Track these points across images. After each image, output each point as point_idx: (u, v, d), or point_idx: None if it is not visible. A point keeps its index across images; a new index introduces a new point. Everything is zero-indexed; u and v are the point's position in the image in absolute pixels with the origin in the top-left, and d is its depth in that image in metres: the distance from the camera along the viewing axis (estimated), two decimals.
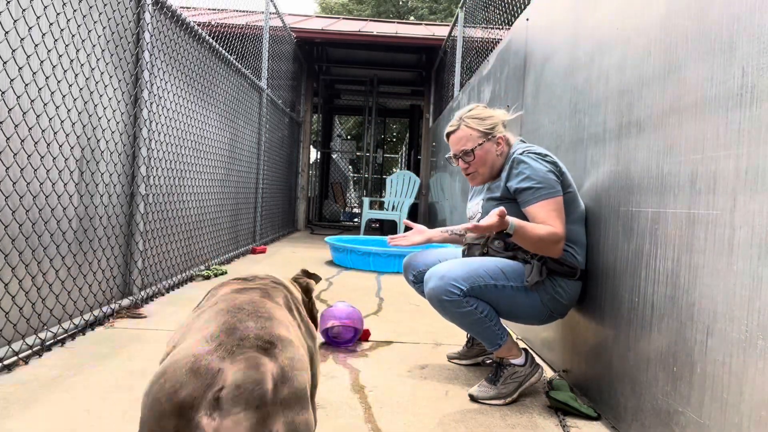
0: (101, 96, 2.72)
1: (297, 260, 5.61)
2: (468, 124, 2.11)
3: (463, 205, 5.09)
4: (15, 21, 2.04)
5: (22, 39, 2.10)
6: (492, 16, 5.09)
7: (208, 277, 4.22)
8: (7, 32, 2.00)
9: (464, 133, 2.11)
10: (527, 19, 3.23)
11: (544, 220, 1.91)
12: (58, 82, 2.35)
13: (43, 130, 2.25)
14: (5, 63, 2.00)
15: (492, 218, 1.74)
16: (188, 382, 0.83)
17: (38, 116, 2.22)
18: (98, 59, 2.67)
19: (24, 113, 2.11)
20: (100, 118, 2.72)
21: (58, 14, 2.32)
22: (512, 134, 2.19)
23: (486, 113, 2.13)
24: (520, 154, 2.02)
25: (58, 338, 2.38)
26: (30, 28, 2.14)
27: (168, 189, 3.61)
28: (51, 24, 2.27)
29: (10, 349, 2.03)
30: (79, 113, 2.53)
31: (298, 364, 0.93)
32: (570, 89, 2.40)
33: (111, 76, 2.81)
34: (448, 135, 2.18)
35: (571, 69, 2.41)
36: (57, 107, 2.34)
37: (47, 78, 2.27)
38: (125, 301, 2.99)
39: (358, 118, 18.10)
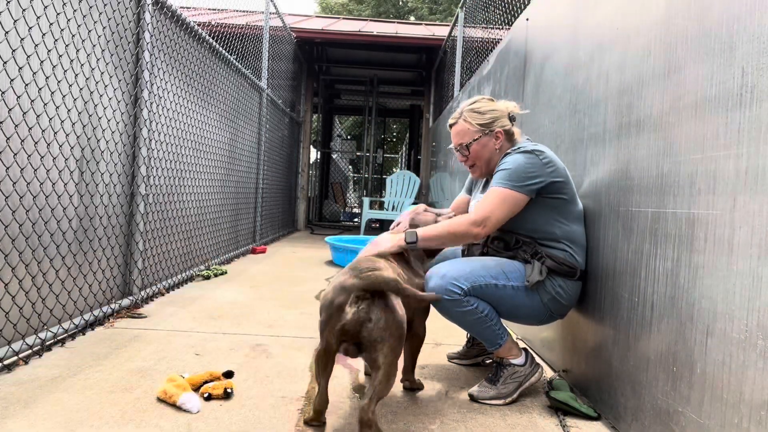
0: (101, 96, 2.72)
1: (297, 260, 5.61)
2: (466, 118, 2.13)
3: None
4: (15, 21, 2.04)
5: (22, 39, 2.10)
6: (492, 16, 5.08)
7: (208, 277, 4.22)
8: (7, 32, 2.00)
9: (462, 128, 2.14)
10: (527, 19, 3.23)
11: (480, 203, 1.96)
12: (58, 82, 2.35)
13: (43, 130, 2.25)
14: (5, 63, 2.00)
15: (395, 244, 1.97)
16: (339, 293, 1.60)
17: (38, 116, 2.22)
18: (98, 59, 2.67)
19: (24, 113, 2.11)
20: (100, 118, 2.72)
21: (58, 14, 2.32)
22: (519, 130, 2.19)
23: (487, 107, 2.14)
24: (515, 149, 2.04)
25: (58, 338, 2.38)
26: (30, 28, 2.15)
27: (168, 189, 3.61)
28: (51, 24, 2.27)
29: (10, 349, 2.03)
30: (79, 113, 2.53)
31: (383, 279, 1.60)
32: (570, 89, 2.40)
33: (111, 76, 2.81)
34: (451, 126, 2.20)
35: (570, 69, 2.41)
36: (57, 107, 2.34)
37: (47, 78, 2.27)
38: (125, 301, 2.99)
39: (357, 117, 18.10)
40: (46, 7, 2.22)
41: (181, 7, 3.69)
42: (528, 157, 1.98)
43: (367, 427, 1.52)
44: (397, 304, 1.65)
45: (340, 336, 1.59)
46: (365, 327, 1.56)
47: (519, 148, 2.04)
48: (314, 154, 12.96)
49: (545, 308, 2.01)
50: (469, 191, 2.43)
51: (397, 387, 2.09)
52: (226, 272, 4.51)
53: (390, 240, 1.99)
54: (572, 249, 2.03)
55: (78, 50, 2.48)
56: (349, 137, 19.20)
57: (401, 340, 1.62)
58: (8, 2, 2.01)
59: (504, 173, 1.98)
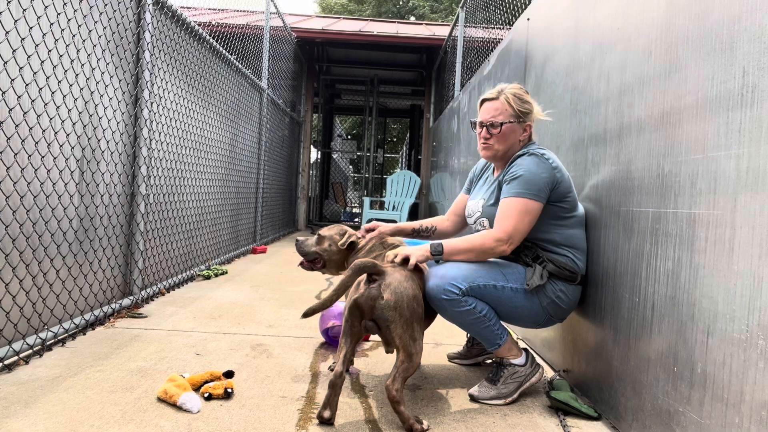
0: (101, 96, 2.72)
1: (297, 260, 5.59)
2: (508, 98, 2.09)
3: None
4: (15, 21, 2.04)
5: (23, 39, 2.10)
6: (493, 15, 5.08)
7: (208, 277, 4.22)
8: (7, 32, 2.00)
9: (500, 105, 2.09)
10: (528, 19, 3.23)
11: (501, 216, 1.95)
12: (58, 82, 2.35)
13: (43, 130, 2.25)
14: (5, 63, 2.00)
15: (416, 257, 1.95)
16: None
17: (38, 116, 2.22)
18: (98, 59, 2.67)
19: (24, 113, 2.11)
20: (100, 118, 2.72)
21: (59, 14, 2.32)
22: (536, 134, 2.19)
23: (526, 97, 2.12)
24: (525, 152, 2.04)
25: (59, 338, 2.38)
26: (30, 28, 2.15)
27: (168, 189, 3.61)
28: (51, 24, 2.27)
29: (11, 349, 2.03)
30: (80, 113, 2.53)
31: (396, 284, 1.78)
32: (570, 89, 2.40)
33: (111, 76, 2.81)
34: (483, 101, 2.15)
35: (571, 69, 2.41)
36: (57, 107, 2.34)
37: (47, 78, 2.27)
38: (125, 301, 2.99)
39: (357, 117, 18.08)
40: (46, 7, 2.22)
41: (181, 7, 3.69)
42: (540, 161, 1.98)
43: (395, 402, 1.69)
44: (409, 286, 1.79)
45: (354, 310, 1.77)
46: (377, 305, 1.73)
47: (528, 151, 2.03)
48: (314, 154, 12.96)
49: (544, 312, 2.00)
50: (468, 191, 2.41)
51: None
52: (226, 272, 4.51)
53: (418, 250, 1.97)
54: (573, 254, 2.02)
55: (78, 50, 2.48)
56: (349, 137, 19.20)
57: (413, 321, 1.76)
58: (8, 2, 2.01)
59: (520, 181, 1.95)
